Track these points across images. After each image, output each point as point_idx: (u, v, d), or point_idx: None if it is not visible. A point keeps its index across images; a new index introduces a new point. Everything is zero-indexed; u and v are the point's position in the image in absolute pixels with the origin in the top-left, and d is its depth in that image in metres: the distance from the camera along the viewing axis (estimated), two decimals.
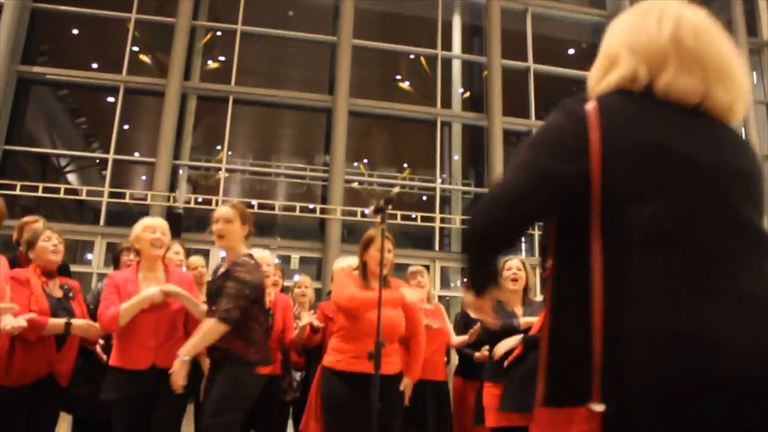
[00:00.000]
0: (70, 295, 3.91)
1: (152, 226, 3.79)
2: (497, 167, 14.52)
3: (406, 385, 4.03)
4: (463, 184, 16.19)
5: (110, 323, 3.58)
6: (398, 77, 17.63)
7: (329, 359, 3.91)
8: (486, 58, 15.78)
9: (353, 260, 4.34)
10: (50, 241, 3.84)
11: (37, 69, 14.62)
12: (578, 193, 1.37)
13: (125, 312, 3.54)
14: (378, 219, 3.91)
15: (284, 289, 5.11)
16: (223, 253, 4.09)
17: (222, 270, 3.75)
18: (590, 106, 1.43)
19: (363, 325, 3.81)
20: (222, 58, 16.00)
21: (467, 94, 16.81)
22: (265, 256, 4.56)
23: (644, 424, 1.24)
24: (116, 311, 3.53)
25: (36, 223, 4.30)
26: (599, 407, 1.28)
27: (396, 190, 16.39)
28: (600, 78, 1.54)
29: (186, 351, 3.49)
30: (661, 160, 1.36)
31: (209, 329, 3.50)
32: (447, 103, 16.05)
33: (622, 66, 1.49)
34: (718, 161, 1.40)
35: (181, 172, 14.66)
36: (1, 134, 13.61)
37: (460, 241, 15.58)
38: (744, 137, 1.58)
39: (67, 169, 17.40)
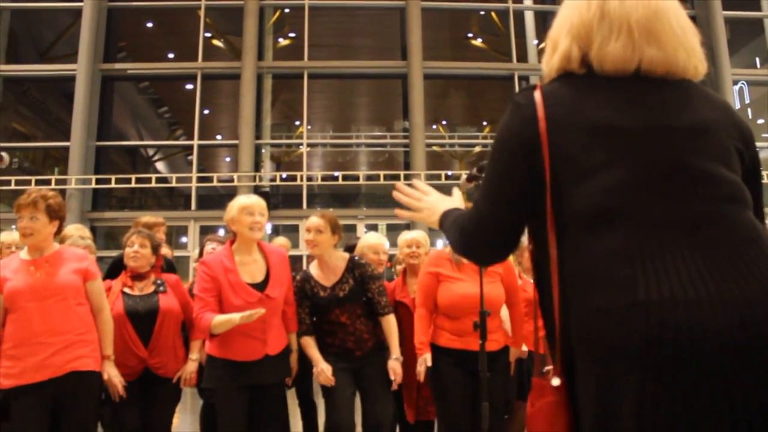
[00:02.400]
0: (161, 289, 3.94)
1: (250, 207, 3.62)
2: None
3: (513, 355, 3.96)
4: None
5: (203, 331, 3.61)
6: (470, 35, 17.29)
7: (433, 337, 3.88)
8: (558, 6, 15.23)
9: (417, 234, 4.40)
10: (132, 247, 3.90)
11: (118, 65, 15.10)
12: (539, 185, 1.40)
13: (217, 327, 3.49)
14: (472, 186, 3.82)
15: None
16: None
17: (337, 277, 3.85)
18: (536, 96, 1.43)
19: (463, 305, 3.78)
20: (292, 35, 16.08)
21: (543, 45, 16.29)
22: (381, 243, 4.57)
23: (592, 400, 1.28)
24: (209, 323, 3.48)
25: (134, 228, 4.33)
26: (556, 381, 1.37)
27: (477, 149, 16.16)
28: (547, 63, 1.54)
29: (396, 352, 3.83)
30: (600, 139, 1.36)
31: (394, 324, 3.90)
32: (523, 56, 15.67)
33: (560, 49, 1.49)
34: (662, 123, 1.38)
35: (263, 150, 14.87)
36: (93, 131, 14.16)
37: None
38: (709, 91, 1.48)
39: (155, 158, 17.97)
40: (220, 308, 3.56)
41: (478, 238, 1.52)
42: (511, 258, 4.60)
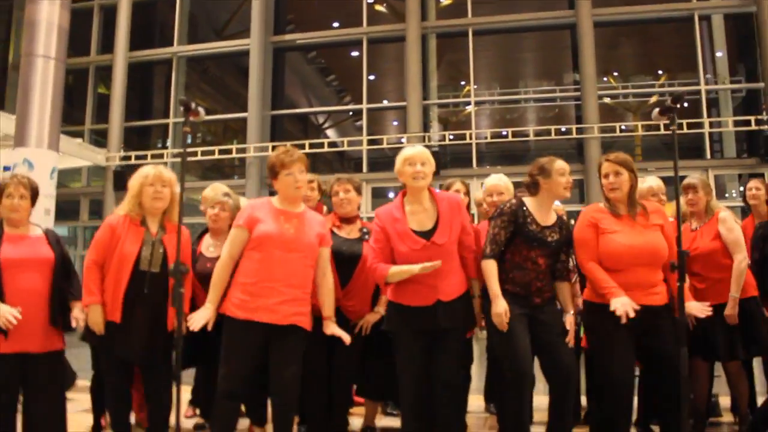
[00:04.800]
0: (365, 237, 4.12)
1: (411, 158, 3.67)
2: None
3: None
4: (732, 82, 14.63)
5: (379, 280, 3.73)
6: None
7: (589, 293, 3.74)
8: None
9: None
10: (338, 195, 4.24)
11: (288, 37, 15.63)
12: None
13: (393, 276, 3.58)
14: (665, 122, 3.55)
15: None
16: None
17: (549, 222, 3.73)
18: None
19: (629, 256, 3.60)
20: None
21: None
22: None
23: None
24: (384, 273, 3.59)
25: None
26: None
27: (654, 99, 15.24)
28: None
29: (571, 311, 3.75)
30: None
31: (570, 290, 3.84)
32: None
33: None
34: None
35: (431, 112, 14.87)
36: (267, 101, 14.85)
37: (733, 145, 14.29)
38: None
39: (326, 125, 18.52)
40: (392, 256, 3.64)
41: None
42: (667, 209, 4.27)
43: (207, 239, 4.43)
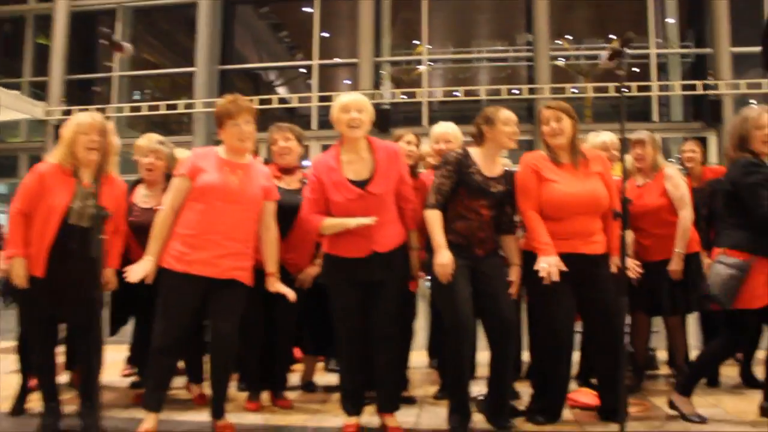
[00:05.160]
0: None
1: (346, 105, 3.56)
2: (722, 24, 12.98)
3: (614, 264, 3.68)
4: (681, 48, 14.76)
5: (312, 232, 3.65)
6: None
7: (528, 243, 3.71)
8: None
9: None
10: (277, 144, 4.17)
11: None
12: None
13: (327, 228, 3.51)
14: (613, 65, 3.52)
15: None
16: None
17: (496, 174, 3.68)
18: None
19: (571, 204, 3.61)
20: None
21: None
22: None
23: None
24: (318, 224, 3.52)
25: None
26: None
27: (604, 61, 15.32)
28: None
29: (518, 263, 3.72)
30: None
31: (515, 244, 3.78)
32: None
33: None
34: None
35: (382, 71, 14.68)
36: (216, 56, 14.48)
37: (680, 109, 14.48)
38: None
39: (277, 83, 18.19)
40: (327, 207, 3.55)
41: None
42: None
43: (141, 189, 4.27)
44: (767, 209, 3.47)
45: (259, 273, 3.66)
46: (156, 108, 14.33)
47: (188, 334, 3.54)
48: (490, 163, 3.67)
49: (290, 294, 3.61)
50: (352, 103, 3.57)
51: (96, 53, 16.23)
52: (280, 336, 4.15)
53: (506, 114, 3.64)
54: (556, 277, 3.43)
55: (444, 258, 3.46)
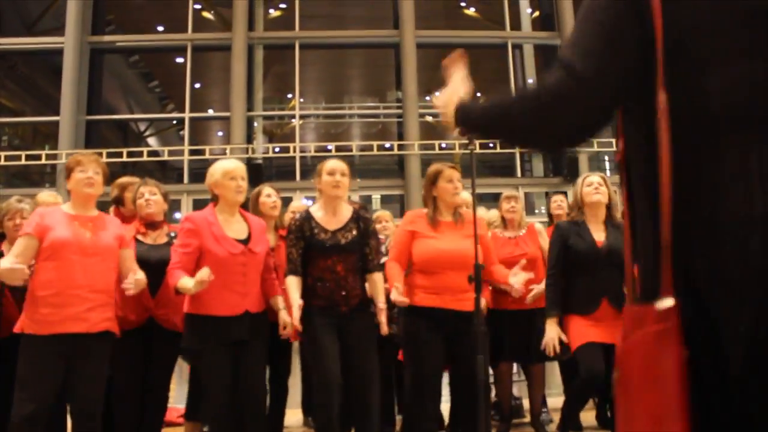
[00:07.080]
0: (174, 241, 3.95)
1: (232, 172, 3.63)
2: None
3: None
4: None
5: (169, 286, 3.55)
6: (463, 4, 17.10)
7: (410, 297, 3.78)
8: None
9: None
10: (143, 197, 4.00)
11: (107, 38, 14.90)
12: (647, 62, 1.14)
13: (182, 289, 3.43)
14: (465, 140, 3.74)
15: None
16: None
17: (341, 224, 3.76)
18: None
19: (441, 260, 3.77)
20: (283, 6, 15.86)
21: (536, 14, 16.18)
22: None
23: (729, 318, 1.06)
24: (175, 282, 3.44)
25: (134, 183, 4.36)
26: (667, 302, 1.06)
27: None
28: None
29: (383, 301, 3.74)
30: (738, 12, 1.10)
31: (382, 281, 3.82)
32: (516, 24, 15.51)
33: None
34: None
35: (255, 124, 14.74)
36: (82, 105, 14.00)
37: (541, 165, 15.36)
38: None
39: (147, 133, 17.81)
40: (201, 261, 3.51)
41: (564, 107, 1.21)
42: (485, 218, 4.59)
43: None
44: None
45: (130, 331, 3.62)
46: (17, 158, 13.69)
47: (55, 399, 3.41)
48: (331, 216, 3.78)
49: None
50: (238, 171, 3.66)
51: None
52: (153, 397, 4.04)
53: (330, 164, 3.75)
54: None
55: (296, 306, 3.53)
